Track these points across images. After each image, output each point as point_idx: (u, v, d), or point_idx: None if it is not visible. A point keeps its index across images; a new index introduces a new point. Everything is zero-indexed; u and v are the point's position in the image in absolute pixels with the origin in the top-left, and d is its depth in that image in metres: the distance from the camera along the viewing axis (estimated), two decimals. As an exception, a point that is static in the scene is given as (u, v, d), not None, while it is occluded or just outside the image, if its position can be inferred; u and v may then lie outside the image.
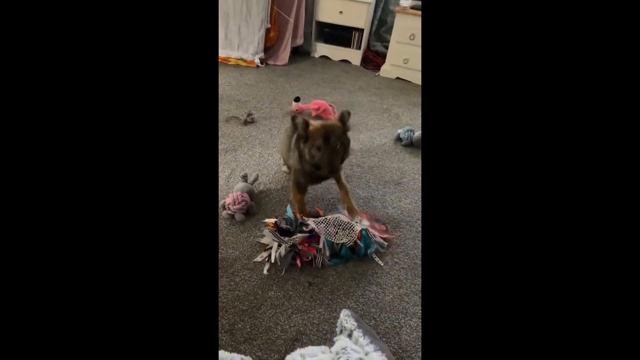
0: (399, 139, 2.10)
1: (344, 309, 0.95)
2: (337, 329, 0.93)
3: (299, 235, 1.23)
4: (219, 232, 1.36)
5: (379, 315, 1.13)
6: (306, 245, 1.24)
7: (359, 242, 1.29)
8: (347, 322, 0.88)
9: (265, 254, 1.25)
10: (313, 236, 1.25)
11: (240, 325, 1.05)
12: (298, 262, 1.23)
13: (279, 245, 1.23)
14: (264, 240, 1.29)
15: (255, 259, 1.25)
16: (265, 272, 1.21)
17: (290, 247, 1.22)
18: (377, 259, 1.31)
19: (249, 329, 1.04)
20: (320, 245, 1.24)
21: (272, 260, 1.22)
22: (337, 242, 1.26)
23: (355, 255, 1.29)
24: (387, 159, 1.94)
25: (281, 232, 1.26)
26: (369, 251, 1.31)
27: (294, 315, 1.09)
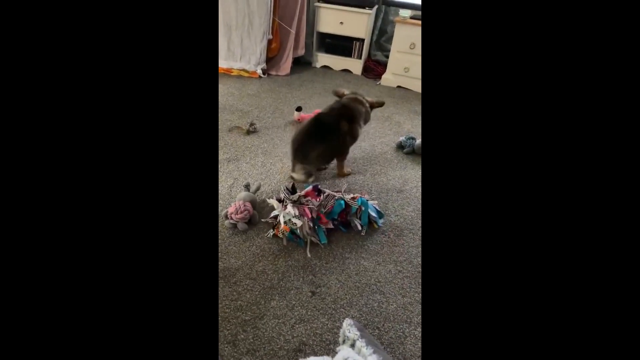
0: (400, 146, 2.10)
1: (347, 318, 0.94)
2: (340, 339, 0.92)
3: (302, 194, 1.45)
4: (222, 241, 1.36)
5: (383, 325, 1.11)
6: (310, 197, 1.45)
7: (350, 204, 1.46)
8: (349, 332, 0.87)
9: (272, 220, 1.44)
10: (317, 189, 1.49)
11: (242, 336, 1.04)
12: (307, 211, 1.36)
13: (285, 207, 1.38)
14: (273, 212, 1.44)
15: (267, 234, 1.40)
16: (270, 235, 1.40)
17: (295, 200, 1.40)
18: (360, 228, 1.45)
19: (252, 340, 1.03)
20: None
21: (282, 222, 1.36)
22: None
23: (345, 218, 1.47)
24: (389, 167, 1.94)
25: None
26: (358, 222, 1.45)
27: (297, 326, 1.08)
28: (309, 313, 1.12)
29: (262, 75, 2.94)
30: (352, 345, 0.84)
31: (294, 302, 1.15)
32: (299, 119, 2.26)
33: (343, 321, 0.94)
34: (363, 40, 3.08)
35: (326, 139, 1.60)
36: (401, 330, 1.10)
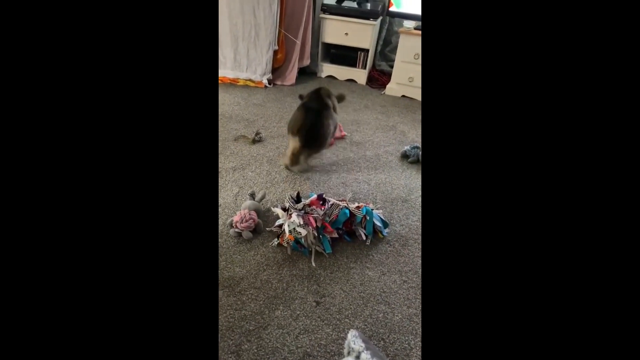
0: (405, 156, 2.10)
1: (352, 329, 0.93)
2: (345, 351, 0.91)
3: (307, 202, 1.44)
4: (227, 250, 1.36)
5: (388, 336, 1.10)
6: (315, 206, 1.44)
7: (355, 213, 1.44)
8: (354, 343, 0.86)
9: (277, 229, 1.43)
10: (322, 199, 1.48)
11: (246, 346, 1.03)
12: (312, 220, 1.35)
13: (289, 216, 1.37)
14: (278, 221, 1.43)
15: (271, 243, 1.40)
16: (274, 244, 1.40)
17: (300, 209, 1.39)
18: (365, 238, 1.45)
19: (255, 350, 1.03)
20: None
21: (287, 232, 1.34)
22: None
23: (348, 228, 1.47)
24: (394, 176, 1.94)
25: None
26: (363, 232, 1.45)
27: (301, 336, 1.07)
28: (313, 323, 1.12)
29: (267, 85, 2.97)
30: (357, 357, 0.83)
31: (298, 312, 1.15)
32: (304, 128, 2.28)
33: (348, 332, 0.93)
34: (367, 50, 3.11)
35: (322, 115, 1.79)
36: (407, 342, 1.09)
